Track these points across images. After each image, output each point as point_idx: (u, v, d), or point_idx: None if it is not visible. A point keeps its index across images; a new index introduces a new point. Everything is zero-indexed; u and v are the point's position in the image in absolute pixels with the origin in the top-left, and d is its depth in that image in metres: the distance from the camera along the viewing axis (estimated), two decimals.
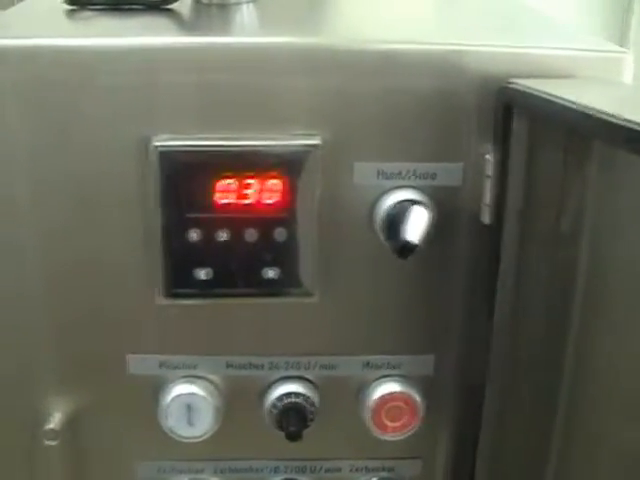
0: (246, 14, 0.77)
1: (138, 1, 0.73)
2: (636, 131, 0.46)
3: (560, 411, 0.71)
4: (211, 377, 0.71)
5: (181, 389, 0.70)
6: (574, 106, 0.54)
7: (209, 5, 0.77)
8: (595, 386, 0.68)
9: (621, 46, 0.66)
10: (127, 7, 0.74)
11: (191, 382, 0.70)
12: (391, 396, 0.71)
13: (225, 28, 0.74)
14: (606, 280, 0.66)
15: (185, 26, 0.75)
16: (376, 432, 0.72)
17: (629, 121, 0.47)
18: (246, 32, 0.74)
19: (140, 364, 0.71)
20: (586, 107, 0.52)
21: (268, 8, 0.79)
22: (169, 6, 0.74)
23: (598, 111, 0.50)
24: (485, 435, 0.72)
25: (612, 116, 0.49)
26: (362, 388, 0.72)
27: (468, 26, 0.78)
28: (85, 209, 0.66)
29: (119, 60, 0.63)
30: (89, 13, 0.74)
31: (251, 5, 0.77)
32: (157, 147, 0.63)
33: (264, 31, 0.75)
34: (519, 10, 0.90)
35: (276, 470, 0.76)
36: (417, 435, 0.73)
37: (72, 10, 0.74)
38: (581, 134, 0.61)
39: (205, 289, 0.67)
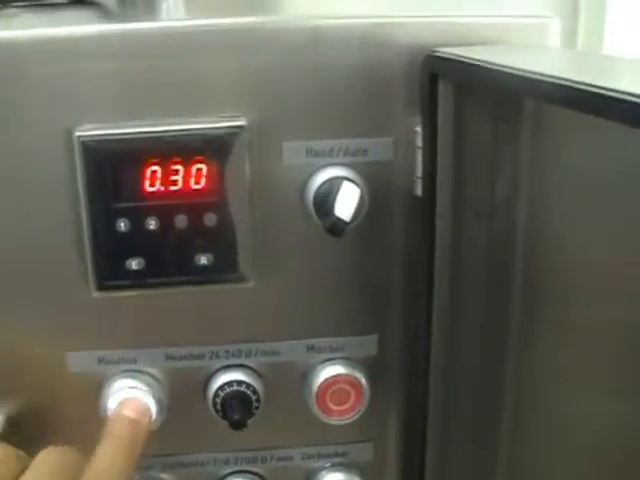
0: (172, 2, 0.75)
1: None
2: (564, 86, 0.45)
3: (508, 386, 0.70)
4: (151, 370, 0.70)
5: (121, 384, 0.69)
6: (499, 68, 0.53)
7: None
8: (542, 354, 0.67)
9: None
10: (49, 3, 0.72)
11: (131, 376, 0.69)
12: (335, 379, 0.70)
13: (148, 16, 0.73)
14: (545, 247, 0.66)
15: (108, 16, 0.73)
16: (322, 417, 0.71)
17: (557, 77, 0.47)
18: (168, 18, 0.73)
19: (80, 361, 0.69)
20: (511, 67, 0.52)
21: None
22: None
23: (524, 70, 0.50)
24: (433, 416, 0.72)
25: (539, 74, 0.48)
26: (306, 373, 0.71)
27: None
28: (13, 202, 0.65)
29: (40, 51, 0.62)
30: (13, 10, 0.73)
31: None
32: (79, 137, 0.62)
33: (187, 16, 0.73)
34: None
35: (226, 462, 0.74)
36: (366, 418, 0.72)
37: None
38: (508, 97, 0.61)
39: (137, 280, 0.66)
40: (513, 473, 0.73)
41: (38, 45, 0.62)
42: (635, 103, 0.39)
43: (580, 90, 0.45)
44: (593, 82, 0.44)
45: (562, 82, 0.46)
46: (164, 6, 0.75)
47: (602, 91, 0.42)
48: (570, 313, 0.66)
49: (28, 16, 0.72)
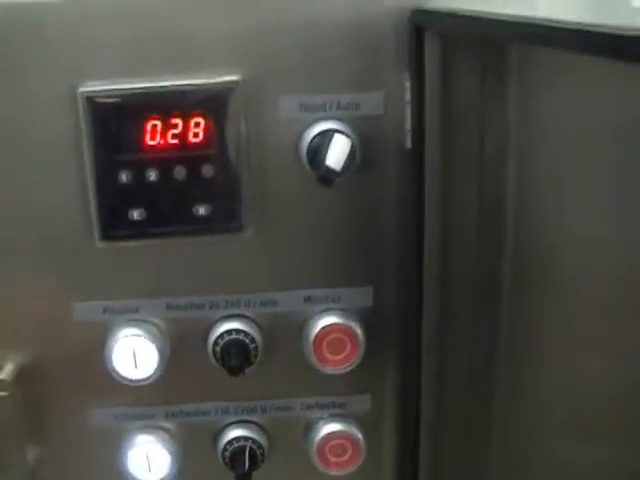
0: None
1: None
2: (550, 27, 0.47)
3: (501, 333, 0.72)
4: (154, 320, 0.73)
5: (125, 332, 0.72)
6: (483, 15, 0.55)
7: None
8: (533, 299, 0.69)
9: None
10: None
11: (134, 325, 0.72)
12: (331, 328, 0.72)
13: None
14: (535, 196, 0.68)
15: None
16: (319, 366, 0.73)
17: (542, 19, 0.48)
18: None
19: (85, 311, 0.72)
20: (495, 14, 0.54)
21: None
22: None
23: (508, 15, 0.52)
24: (427, 369, 0.74)
25: (523, 17, 0.50)
26: (304, 323, 0.73)
27: None
28: (20, 157, 0.68)
29: (48, 11, 0.65)
30: None
31: None
32: (83, 93, 0.65)
33: None
34: None
35: (226, 411, 0.77)
36: (363, 370, 0.75)
37: None
38: (493, 45, 0.63)
39: (139, 229, 0.69)
40: (509, 420, 0.75)
41: (42, 8, 0.65)
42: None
43: (563, 29, 0.46)
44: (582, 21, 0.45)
45: (546, 23, 0.48)
46: None
47: (582, 27, 0.44)
48: (556, 269, 0.68)
49: None
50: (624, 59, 0.38)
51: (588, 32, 0.43)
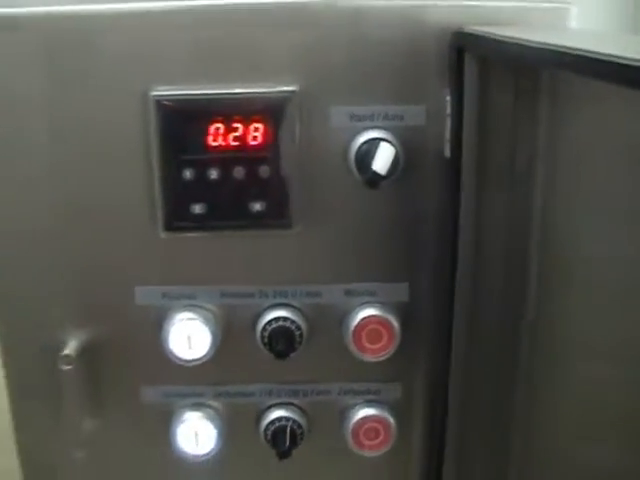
0: None
1: None
2: (582, 56, 0.52)
3: (524, 324, 0.79)
4: (208, 306, 0.79)
5: (182, 316, 0.78)
6: (519, 41, 0.61)
7: None
8: (555, 300, 0.76)
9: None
10: None
11: (190, 310, 0.79)
12: (370, 319, 0.78)
13: None
14: (558, 205, 0.74)
15: None
16: (358, 354, 0.79)
17: (574, 48, 0.53)
18: None
19: (146, 295, 0.79)
20: (530, 41, 0.59)
21: None
22: None
23: (542, 43, 0.57)
24: (456, 362, 0.80)
25: (556, 45, 0.55)
26: (344, 314, 0.80)
27: None
28: (94, 153, 0.75)
29: (124, 22, 0.72)
30: None
31: None
32: (154, 96, 0.72)
33: None
34: None
35: (270, 394, 0.83)
36: (397, 360, 0.81)
37: None
38: (527, 69, 0.69)
39: (200, 222, 0.76)
40: (530, 412, 0.81)
41: (116, 17, 0.73)
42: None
43: (594, 59, 0.50)
44: (608, 52, 0.50)
45: (578, 52, 0.52)
46: None
47: (612, 59, 0.48)
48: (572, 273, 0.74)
49: None
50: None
51: (609, 62, 0.48)
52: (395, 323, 0.79)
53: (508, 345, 0.80)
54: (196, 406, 0.83)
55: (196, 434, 0.82)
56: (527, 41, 0.60)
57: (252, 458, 0.84)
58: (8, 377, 0.83)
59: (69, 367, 0.78)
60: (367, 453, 0.83)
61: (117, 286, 0.79)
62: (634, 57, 0.46)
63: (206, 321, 0.78)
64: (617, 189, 0.66)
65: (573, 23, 0.74)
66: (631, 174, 0.64)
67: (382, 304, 0.79)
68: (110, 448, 0.85)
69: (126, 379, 0.82)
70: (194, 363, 0.79)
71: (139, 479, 0.87)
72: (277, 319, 0.78)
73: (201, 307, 0.79)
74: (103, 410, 0.83)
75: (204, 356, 0.79)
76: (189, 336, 0.78)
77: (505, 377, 0.81)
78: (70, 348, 0.79)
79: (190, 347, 0.78)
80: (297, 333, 0.78)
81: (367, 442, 0.83)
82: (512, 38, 0.63)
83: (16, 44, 0.72)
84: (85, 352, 0.80)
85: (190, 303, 0.79)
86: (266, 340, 0.78)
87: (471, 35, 0.69)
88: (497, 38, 0.65)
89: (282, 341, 0.77)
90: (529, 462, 0.81)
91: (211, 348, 0.78)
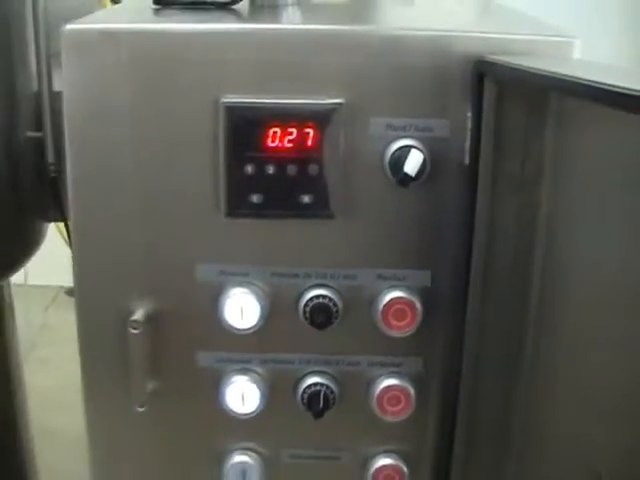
0: (290, 11, 1.01)
1: (209, 2, 0.97)
2: (582, 84, 0.64)
3: (530, 309, 0.90)
4: (259, 283, 0.91)
5: (236, 291, 0.91)
6: (530, 70, 0.74)
7: (262, 6, 1.02)
8: (556, 295, 0.88)
9: None
10: (200, 7, 0.98)
11: (244, 286, 0.91)
12: (397, 300, 0.90)
13: (274, 20, 0.99)
14: (563, 211, 0.86)
15: (245, 18, 0.99)
16: (385, 330, 0.91)
17: (575, 77, 0.65)
18: (290, 23, 0.98)
19: (205, 272, 0.92)
20: (540, 69, 0.72)
21: (306, 9, 1.04)
22: (233, 6, 0.98)
23: (550, 71, 0.70)
24: (469, 338, 0.92)
25: (560, 74, 0.68)
26: (375, 295, 0.92)
27: (454, 18, 1.02)
28: (171, 150, 0.88)
29: (200, 41, 0.87)
30: (171, 10, 0.98)
31: (295, 6, 1.02)
32: (224, 103, 0.86)
33: (303, 22, 0.99)
34: (492, 6, 1.14)
35: (308, 362, 0.94)
36: (418, 336, 0.91)
37: (157, 9, 0.98)
38: (537, 93, 0.81)
39: (257, 210, 0.88)
40: (531, 392, 0.92)
41: (196, 36, 0.87)
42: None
43: (592, 86, 0.62)
44: (609, 81, 0.61)
45: (579, 80, 0.64)
46: (284, 14, 1.01)
47: (606, 86, 0.60)
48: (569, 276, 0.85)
49: (184, 15, 0.96)
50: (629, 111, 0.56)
51: (604, 89, 0.60)
52: (418, 304, 0.90)
53: (514, 330, 0.91)
54: (243, 370, 0.93)
55: (242, 395, 0.92)
56: (537, 69, 0.73)
57: (290, 417, 0.94)
58: (81, 340, 0.96)
59: (136, 331, 0.88)
60: (389, 418, 0.93)
61: (181, 263, 0.92)
62: (625, 86, 0.59)
63: (257, 296, 0.90)
64: (611, 198, 0.78)
65: (577, 54, 0.86)
66: (624, 182, 0.75)
67: (408, 287, 0.91)
68: (167, 405, 0.94)
69: (182, 345, 0.92)
70: (244, 332, 0.89)
71: (190, 434, 0.98)
72: (317, 297, 0.90)
73: (253, 284, 0.91)
74: (161, 372, 0.92)
75: (253, 326, 0.89)
76: (242, 308, 0.89)
77: (512, 357, 0.92)
78: (138, 315, 0.89)
79: (242, 318, 0.89)
80: (334, 309, 0.90)
81: (390, 408, 0.92)
82: (524, 66, 0.76)
83: (111, 55, 0.86)
84: (150, 320, 0.91)
85: (244, 280, 0.91)
86: (307, 315, 0.90)
87: (490, 63, 0.82)
88: (512, 66, 0.78)
89: (321, 315, 0.89)
90: (530, 440, 0.92)
91: (260, 320, 0.90)
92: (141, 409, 0.94)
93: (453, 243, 0.90)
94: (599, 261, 0.80)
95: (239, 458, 0.97)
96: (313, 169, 0.87)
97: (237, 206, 0.89)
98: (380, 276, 0.92)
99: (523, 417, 0.92)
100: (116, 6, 1.11)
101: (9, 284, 1.33)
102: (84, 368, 0.97)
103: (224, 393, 0.92)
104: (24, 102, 1.11)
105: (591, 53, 0.86)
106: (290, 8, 1.01)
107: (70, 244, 0.93)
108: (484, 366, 0.93)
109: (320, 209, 0.89)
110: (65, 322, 1.09)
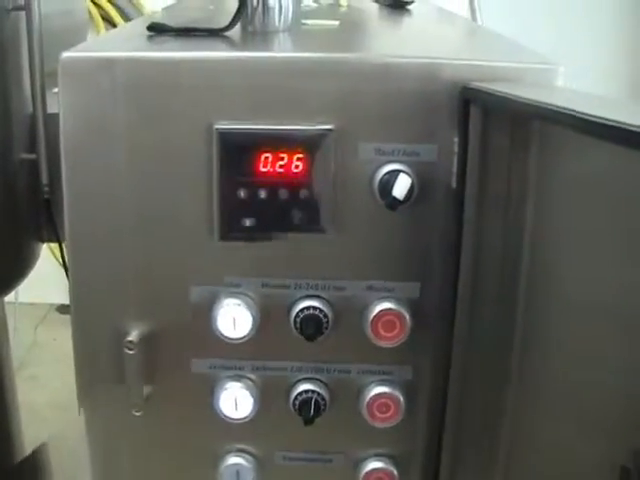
0: (281, 38, 1.02)
1: (201, 29, 0.99)
2: (566, 114, 0.66)
3: (516, 331, 0.91)
4: (251, 294, 0.93)
5: (228, 302, 0.92)
6: (513, 97, 0.76)
7: (254, 32, 1.03)
8: (541, 306, 0.89)
9: None
10: (193, 34, 1.00)
11: (236, 297, 0.93)
12: (386, 312, 0.92)
13: (266, 47, 1.01)
14: (547, 234, 0.87)
15: (238, 45, 1.01)
16: (374, 340, 0.93)
17: (555, 105, 0.68)
18: (281, 50, 1.00)
19: (199, 294, 0.94)
20: (523, 97, 0.75)
21: (297, 35, 1.06)
22: (225, 33, 0.99)
23: (533, 100, 0.73)
24: (457, 350, 0.94)
25: (542, 102, 0.70)
26: (365, 306, 0.93)
27: (441, 44, 1.03)
28: (165, 173, 0.90)
29: (193, 68, 0.88)
30: (165, 37, 1.00)
31: (286, 32, 1.03)
32: (217, 129, 0.88)
33: (293, 49, 1.01)
34: (479, 32, 1.14)
35: (299, 370, 0.95)
36: (407, 346, 0.93)
37: (151, 35, 1.00)
38: (520, 119, 0.83)
39: (249, 233, 0.91)
40: (519, 401, 0.93)
41: (189, 63, 0.89)
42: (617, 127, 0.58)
43: (570, 115, 0.66)
44: (584, 110, 0.64)
45: (558, 109, 0.67)
46: (276, 40, 1.02)
47: (592, 118, 0.61)
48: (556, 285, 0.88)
49: (177, 42, 0.98)
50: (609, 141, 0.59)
51: (584, 119, 0.63)
52: (407, 316, 0.91)
53: (501, 342, 0.92)
54: (237, 377, 0.95)
55: (235, 401, 0.94)
56: (520, 97, 0.76)
57: (282, 421, 0.96)
58: (77, 356, 0.98)
59: (132, 352, 0.91)
60: (379, 425, 0.95)
61: (175, 285, 0.93)
62: (600, 115, 0.62)
63: (249, 307, 0.91)
64: (593, 218, 0.79)
65: (560, 81, 0.88)
66: (606, 203, 0.77)
67: (397, 299, 0.91)
68: (163, 410, 0.97)
69: (177, 353, 0.94)
70: (237, 341, 0.91)
71: (186, 436, 1.01)
72: (308, 308, 0.91)
73: (245, 295, 0.92)
74: (157, 379, 0.95)
75: (245, 336, 0.91)
76: (234, 318, 0.90)
77: (498, 368, 0.93)
78: (133, 335, 0.91)
79: (234, 328, 0.91)
80: (324, 320, 0.92)
81: (379, 415, 0.94)
82: (509, 94, 0.78)
83: (106, 81, 0.88)
84: (145, 340, 0.93)
85: (236, 291, 0.92)
86: (298, 325, 0.92)
87: (476, 90, 0.83)
88: (497, 93, 0.80)
89: (311, 326, 0.91)
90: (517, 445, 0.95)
91: (252, 329, 0.91)
92: (138, 413, 0.97)
93: (441, 260, 0.92)
94: (583, 278, 0.81)
95: (233, 460, 0.99)
96: (304, 193, 0.88)
97: (230, 230, 0.90)
98: (370, 287, 0.92)
99: (510, 424, 0.94)
100: (110, 32, 1.13)
101: (2, 302, 1.34)
102: (79, 373, 0.97)
103: (218, 399, 0.94)
104: (18, 124, 1.12)
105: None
106: (281, 35, 1.02)
107: (63, 264, 0.94)
108: (472, 375, 0.94)
109: (311, 231, 0.91)
110: (54, 341, 1.11)
